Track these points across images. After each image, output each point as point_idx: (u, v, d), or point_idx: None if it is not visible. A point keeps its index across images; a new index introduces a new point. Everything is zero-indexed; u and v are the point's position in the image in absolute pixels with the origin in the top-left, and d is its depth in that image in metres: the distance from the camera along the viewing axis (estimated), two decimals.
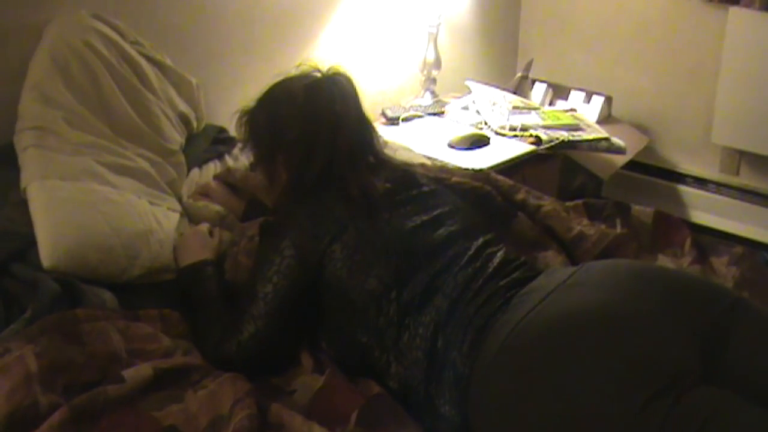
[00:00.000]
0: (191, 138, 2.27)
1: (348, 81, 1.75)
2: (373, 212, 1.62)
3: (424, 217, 1.65)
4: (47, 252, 1.70)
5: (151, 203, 1.94)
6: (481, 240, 1.65)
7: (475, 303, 1.50)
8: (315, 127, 1.67)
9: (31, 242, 1.74)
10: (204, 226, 1.91)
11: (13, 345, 1.48)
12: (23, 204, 1.79)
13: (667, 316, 1.38)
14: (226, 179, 2.10)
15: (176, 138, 2.16)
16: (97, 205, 1.80)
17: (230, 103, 2.55)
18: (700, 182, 3.36)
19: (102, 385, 1.42)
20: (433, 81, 3.08)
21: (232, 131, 2.42)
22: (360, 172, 1.67)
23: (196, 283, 1.74)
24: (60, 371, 1.43)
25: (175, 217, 1.98)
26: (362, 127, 1.75)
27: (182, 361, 1.55)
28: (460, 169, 2.25)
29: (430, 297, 1.52)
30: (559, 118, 2.94)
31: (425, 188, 1.74)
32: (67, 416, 1.34)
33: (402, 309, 1.52)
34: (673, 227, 2.00)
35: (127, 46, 2.10)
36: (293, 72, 1.77)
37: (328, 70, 1.75)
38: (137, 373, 1.46)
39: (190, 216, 2.03)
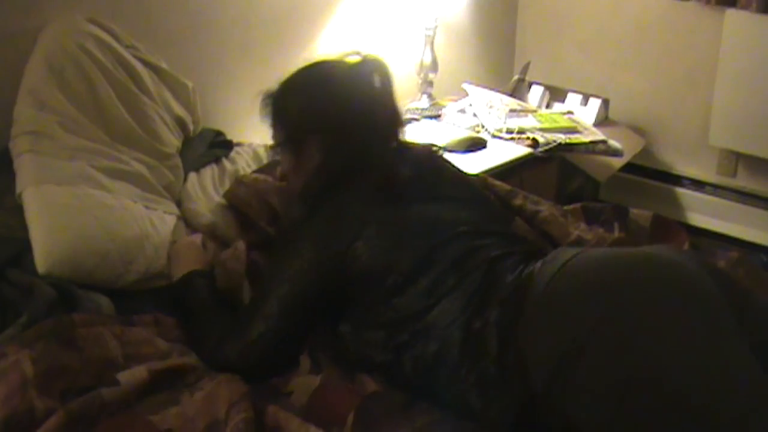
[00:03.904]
0: (188, 142, 2.26)
1: (386, 67, 1.76)
2: (396, 200, 1.63)
3: (449, 202, 1.69)
4: (42, 257, 1.70)
5: (147, 207, 1.94)
6: (504, 226, 1.73)
7: (511, 269, 1.52)
8: (355, 109, 1.69)
9: (27, 247, 1.73)
10: (197, 238, 1.90)
11: (9, 350, 1.47)
12: (19, 209, 1.79)
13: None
14: (237, 191, 2.09)
15: (173, 141, 2.15)
16: (93, 210, 1.80)
17: (227, 106, 2.57)
18: (698, 184, 3.36)
19: (97, 389, 1.41)
20: (430, 84, 3.07)
21: (229, 134, 2.43)
22: (388, 158, 1.70)
23: (190, 294, 1.73)
24: (56, 376, 1.43)
25: (172, 220, 1.98)
26: (395, 114, 1.78)
27: (177, 362, 1.54)
28: None
29: (464, 273, 1.53)
30: (556, 121, 2.94)
31: (448, 174, 1.80)
32: (62, 421, 1.33)
33: (434, 286, 1.52)
34: (671, 231, 2.00)
35: (122, 50, 2.09)
36: (327, 56, 1.79)
37: (366, 56, 1.76)
38: (132, 376, 1.46)
39: (186, 220, 2.03)
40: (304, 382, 1.52)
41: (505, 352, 1.42)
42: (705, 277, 1.39)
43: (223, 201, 2.07)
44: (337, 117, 1.69)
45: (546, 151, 2.73)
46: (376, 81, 1.73)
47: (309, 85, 1.75)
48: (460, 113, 2.99)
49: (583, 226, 1.97)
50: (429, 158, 1.85)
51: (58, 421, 1.33)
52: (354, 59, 1.75)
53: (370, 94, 1.72)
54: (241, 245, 1.87)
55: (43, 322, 1.54)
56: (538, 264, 1.50)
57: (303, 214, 1.69)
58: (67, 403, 1.37)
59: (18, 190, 1.81)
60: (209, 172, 2.25)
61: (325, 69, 1.77)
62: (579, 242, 1.90)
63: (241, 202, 2.02)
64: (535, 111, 3.04)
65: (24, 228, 1.75)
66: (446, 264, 1.54)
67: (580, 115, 3.12)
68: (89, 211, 1.79)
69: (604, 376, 1.31)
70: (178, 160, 2.15)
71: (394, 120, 1.77)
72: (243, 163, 2.32)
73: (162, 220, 1.95)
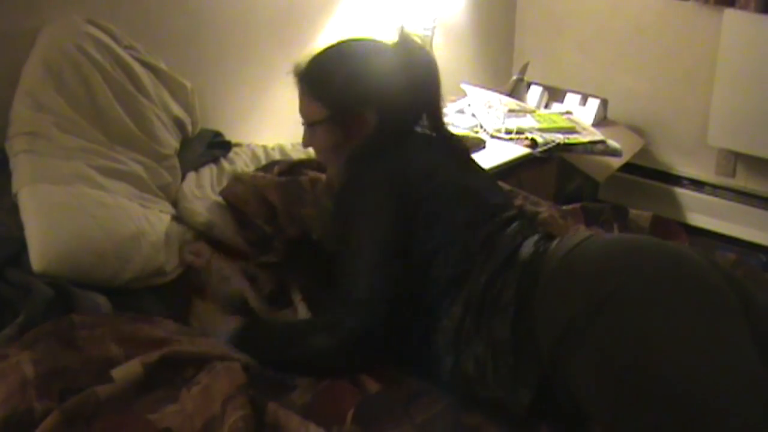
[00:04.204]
0: (186, 142, 2.26)
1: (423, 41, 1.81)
2: (449, 160, 1.70)
3: (485, 182, 1.78)
4: (37, 255, 1.70)
5: (143, 206, 1.94)
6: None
7: (534, 243, 1.57)
8: (418, 77, 1.70)
9: (24, 247, 1.73)
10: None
11: (11, 351, 1.47)
12: (16, 209, 1.79)
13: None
14: (234, 188, 2.09)
15: (170, 142, 2.15)
16: (89, 209, 1.80)
17: (225, 107, 2.57)
18: (697, 184, 3.36)
19: (92, 387, 1.40)
20: None
21: (228, 135, 2.43)
22: (438, 121, 1.77)
23: (261, 339, 1.65)
24: (56, 377, 1.42)
25: (167, 219, 1.98)
26: (439, 87, 1.80)
27: (170, 350, 1.51)
28: None
29: (495, 245, 1.58)
30: (554, 121, 2.94)
31: (476, 162, 1.87)
32: (59, 420, 1.33)
33: (471, 253, 1.56)
34: (670, 231, 2.00)
35: (121, 51, 2.09)
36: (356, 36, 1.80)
37: (404, 31, 1.76)
38: (126, 371, 1.44)
39: (183, 219, 2.03)
40: (312, 382, 1.52)
41: (520, 317, 1.44)
42: (715, 272, 1.39)
43: (220, 199, 2.07)
44: (391, 85, 1.68)
45: (545, 151, 2.73)
46: (420, 54, 1.75)
47: (351, 58, 1.73)
48: (458, 113, 2.99)
49: (582, 227, 1.97)
50: (464, 145, 1.91)
51: (54, 421, 1.32)
52: (391, 35, 1.75)
53: (426, 63, 1.73)
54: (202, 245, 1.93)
55: (43, 324, 1.54)
56: (556, 240, 1.54)
57: (355, 174, 1.67)
58: (64, 402, 1.37)
59: (14, 189, 1.81)
60: (208, 172, 2.25)
61: (359, 43, 1.76)
62: None
63: (238, 200, 2.02)
64: (533, 111, 3.04)
65: (21, 227, 1.75)
66: (485, 234, 1.58)
67: (579, 115, 3.12)
68: (85, 209, 1.79)
69: (607, 353, 1.32)
70: (175, 161, 2.15)
71: (439, 93, 1.78)
72: (241, 164, 2.32)
73: (158, 218, 1.95)
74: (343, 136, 1.71)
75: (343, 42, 1.77)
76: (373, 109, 1.69)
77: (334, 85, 1.70)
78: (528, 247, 1.56)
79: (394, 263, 1.56)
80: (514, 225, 1.63)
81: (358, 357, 1.53)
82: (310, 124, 1.74)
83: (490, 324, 1.47)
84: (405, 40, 1.73)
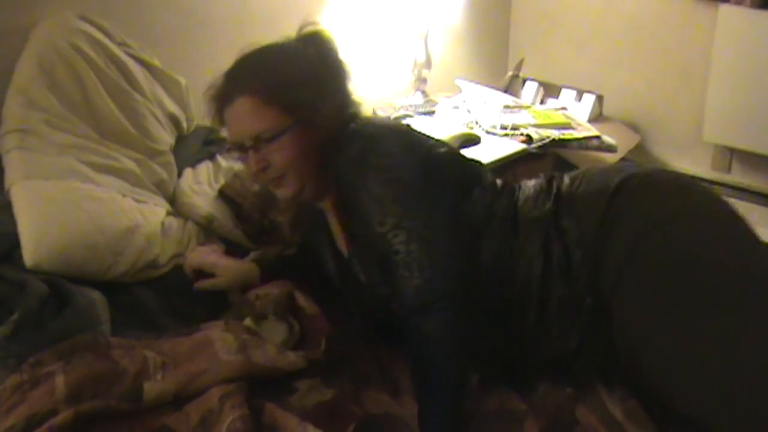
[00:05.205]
0: (182, 139, 2.26)
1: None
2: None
3: None
4: (30, 250, 1.70)
5: (137, 201, 1.94)
6: None
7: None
8: (335, 57, 1.71)
9: (18, 243, 1.73)
10: None
11: (45, 359, 1.48)
12: (9, 206, 1.79)
13: None
14: (234, 184, 2.11)
15: (165, 138, 2.15)
16: (80, 203, 1.80)
17: None
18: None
19: (118, 401, 1.39)
20: (424, 81, 3.07)
21: (223, 132, 2.42)
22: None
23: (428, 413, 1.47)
24: (87, 384, 1.42)
25: (162, 212, 1.98)
26: None
27: (209, 379, 1.47)
28: None
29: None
30: (549, 117, 2.94)
31: None
32: (69, 419, 1.33)
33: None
34: None
35: (114, 48, 2.09)
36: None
37: (311, 29, 1.71)
38: (157, 392, 1.42)
39: (183, 214, 2.03)
40: (313, 388, 1.51)
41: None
42: None
43: (218, 195, 2.09)
44: (330, 71, 1.67)
45: (540, 147, 2.73)
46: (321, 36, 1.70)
47: (288, 57, 1.66)
48: (454, 110, 2.99)
49: None
50: None
51: (64, 419, 1.33)
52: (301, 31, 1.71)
53: (327, 45, 1.70)
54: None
55: (80, 336, 1.54)
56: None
57: (343, 156, 1.58)
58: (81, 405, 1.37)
59: (6, 186, 1.82)
60: (204, 168, 2.25)
61: (272, 45, 1.68)
62: None
63: (236, 194, 2.05)
64: (528, 107, 3.04)
65: (15, 224, 1.75)
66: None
67: (574, 111, 3.12)
68: (77, 203, 1.79)
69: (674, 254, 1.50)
70: (170, 157, 2.14)
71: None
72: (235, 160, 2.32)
73: (152, 212, 1.95)
74: (311, 137, 1.60)
75: (260, 48, 1.67)
76: (331, 98, 1.63)
77: (293, 87, 1.60)
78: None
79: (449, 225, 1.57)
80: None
81: (462, 307, 1.47)
82: (272, 138, 1.58)
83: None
84: (305, 33, 1.69)
